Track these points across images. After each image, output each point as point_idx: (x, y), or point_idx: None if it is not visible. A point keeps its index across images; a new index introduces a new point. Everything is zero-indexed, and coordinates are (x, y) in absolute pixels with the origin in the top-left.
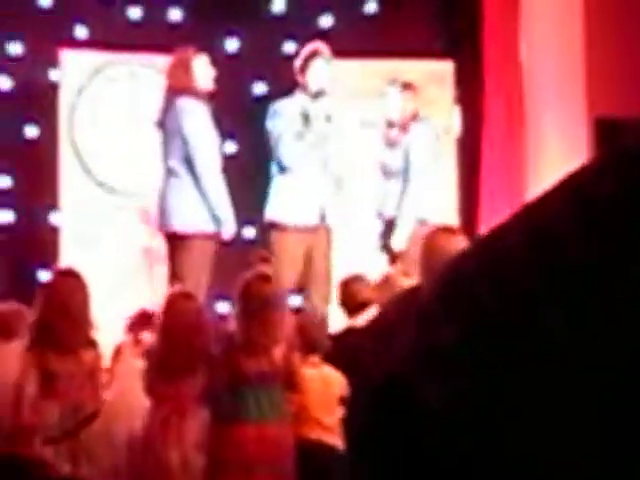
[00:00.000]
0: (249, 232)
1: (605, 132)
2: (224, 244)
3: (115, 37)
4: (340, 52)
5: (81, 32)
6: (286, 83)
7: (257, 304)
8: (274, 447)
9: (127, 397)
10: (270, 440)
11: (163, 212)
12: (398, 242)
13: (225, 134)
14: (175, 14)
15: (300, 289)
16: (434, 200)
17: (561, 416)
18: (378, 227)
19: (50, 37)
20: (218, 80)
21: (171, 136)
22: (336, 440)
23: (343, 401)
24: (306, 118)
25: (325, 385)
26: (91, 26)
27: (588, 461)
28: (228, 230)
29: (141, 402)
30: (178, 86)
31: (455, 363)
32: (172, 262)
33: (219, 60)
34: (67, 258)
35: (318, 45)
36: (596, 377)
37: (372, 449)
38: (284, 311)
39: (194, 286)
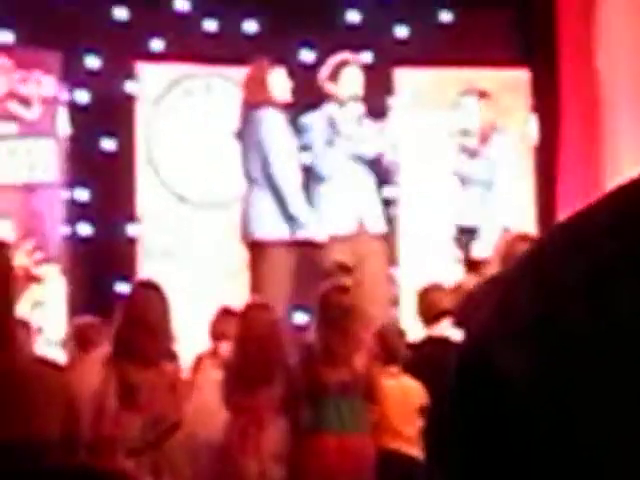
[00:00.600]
0: None
1: None
2: (304, 254)
3: (191, 49)
4: (415, 61)
5: (157, 45)
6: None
7: (336, 314)
8: (355, 458)
9: (207, 408)
10: (351, 451)
11: (244, 222)
12: (480, 251)
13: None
14: (250, 26)
15: None
16: (513, 208)
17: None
18: (452, 235)
19: (127, 50)
20: (294, 91)
21: (250, 147)
22: (416, 450)
23: (422, 411)
24: (333, 125)
25: (404, 395)
26: (167, 39)
27: None
28: (312, 235)
29: (221, 413)
30: (256, 98)
31: (539, 338)
32: (253, 272)
33: (295, 71)
34: (145, 270)
35: (348, 56)
36: None
37: (452, 426)
38: (363, 321)
39: (275, 296)
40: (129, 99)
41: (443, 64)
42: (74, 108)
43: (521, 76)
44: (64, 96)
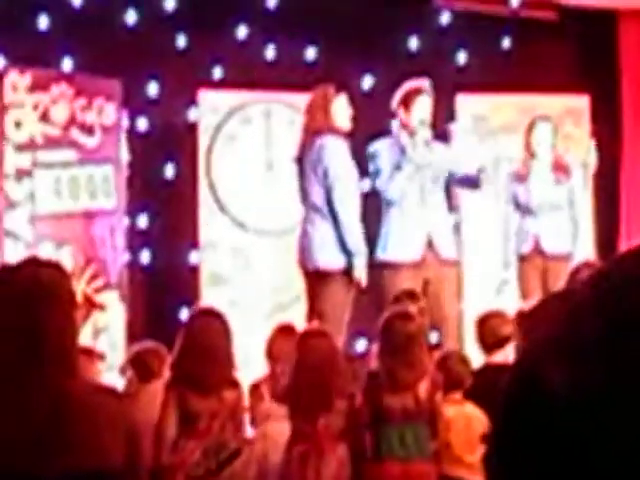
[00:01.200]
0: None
1: None
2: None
3: (251, 76)
4: (475, 87)
5: (218, 72)
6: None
7: (400, 341)
8: None
9: (268, 435)
10: (415, 478)
11: (304, 249)
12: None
13: (363, 172)
14: (310, 53)
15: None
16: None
17: None
18: (513, 263)
19: (187, 77)
20: (354, 118)
21: (311, 173)
22: (478, 478)
23: (485, 439)
24: (403, 151)
25: (467, 422)
26: (227, 66)
27: None
28: (359, 267)
29: (281, 440)
30: (318, 124)
31: (588, 354)
32: (312, 300)
33: (355, 97)
34: (207, 297)
35: (421, 83)
36: None
37: (506, 444)
38: (426, 348)
39: (335, 324)
40: (190, 126)
41: (503, 90)
42: (135, 135)
43: (582, 102)
44: (125, 123)
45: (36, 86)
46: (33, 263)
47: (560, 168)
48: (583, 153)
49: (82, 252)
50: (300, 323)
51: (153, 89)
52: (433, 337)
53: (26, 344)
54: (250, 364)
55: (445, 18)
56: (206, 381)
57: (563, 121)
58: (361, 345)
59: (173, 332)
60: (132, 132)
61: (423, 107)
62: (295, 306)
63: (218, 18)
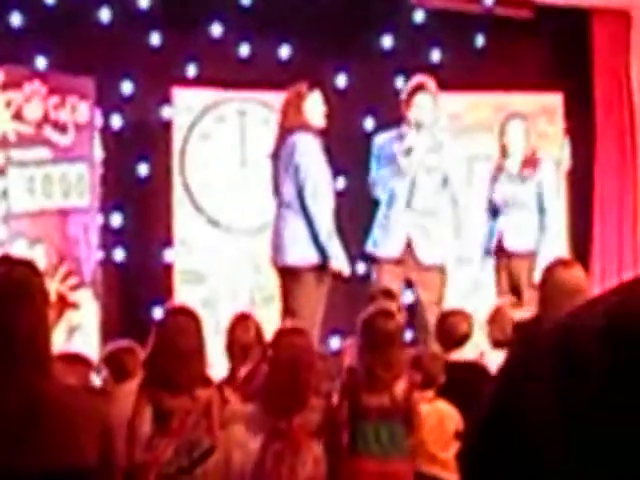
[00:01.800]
0: (361, 267)
1: None
2: (338, 279)
3: (225, 75)
4: (449, 85)
5: (192, 70)
6: (396, 118)
7: (380, 339)
8: None
9: (239, 433)
10: (391, 475)
11: (277, 246)
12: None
13: (336, 170)
14: (285, 51)
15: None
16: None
17: None
18: (493, 260)
19: (161, 75)
20: (328, 116)
21: (284, 171)
22: (452, 476)
23: (458, 436)
24: (408, 152)
25: (440, 420)
26: (202, 64)
27: None
28: (338, 264)
29: (254, 438)
30: (291, 122)
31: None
32: (285, 297)
33: (329, 96)
34: (181, 295)
35: (424, 79)
36: None
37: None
38: (403, 346)
39: (308, 321)
40: (164, 124)
41: (477, 88)
42: (109, 133)
43: (555, 100)
44: (99, 121)
45: (9, 84)
46: (5, 261)
47: (528, 164)
48: (557, 150)
49: (56, 250)
50: (276, 320)
51: (127, 87)
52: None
53: None
54: (223, 363)
55: (419, 16)
56: (178, 379)
57: (537, 119)
58: (335, 342)
59: (147, 330)
60: (106, 130)
61: (421, 106)
62: (269, 304)
63: (192, 16)
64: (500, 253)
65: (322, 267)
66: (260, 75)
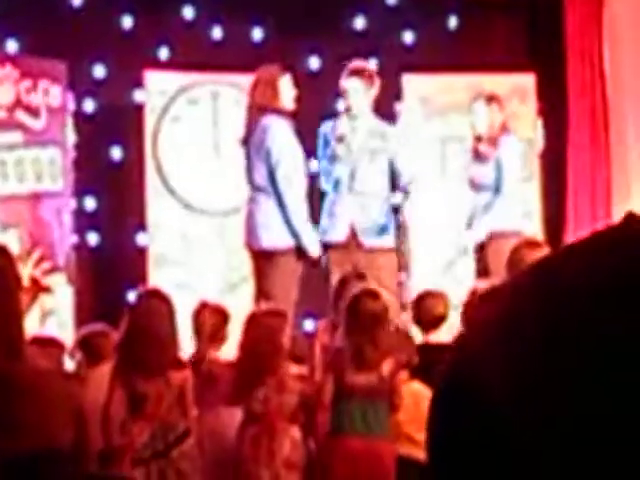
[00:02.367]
0: None
1: None
2: (311, 262)
3: (197, 57)
4: (422, 67)
5: (164, 53)
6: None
7: (368, 320)
8: (380, 461)
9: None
10: (376, 454)
11: (250, 229)
12: (491, 257)
13: (308, 152)
14: (257, 33)
15: None
16: (520, 212)
17: None
18: (464, 242)
19: (133, 59)
20: (300, 98)
21: (256, 153)
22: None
23: None
24: (341, 138)
25: (415, 400)
26: (174, 47)
27: None
28: (310, 247)
29: (231, 420)
30: (263, 104)
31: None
32: (259, 280)
33: (301, 78)
34: (154, 279)
35: (361, 64)
36: None
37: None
38: (390, 327)
39: (282, 303)
40: (136, 108)
41: (450, 70)
42: (81, 117)
43: (528, 80)
44: (71, 105)
45: None
46: None
47: (489, 142)
48: (529, 131)
49: (29, 235)
50: (250, 303)
51: (99, 71)
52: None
53: None
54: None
55: None
56: (151, 362)
57: (509, 99)
58: (308, 325)
59: (121, 314)
60: (78, 114)
61: (354, 92)
62: (243, 287)
63: None
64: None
65: (297, 250)
66: (232, 57)
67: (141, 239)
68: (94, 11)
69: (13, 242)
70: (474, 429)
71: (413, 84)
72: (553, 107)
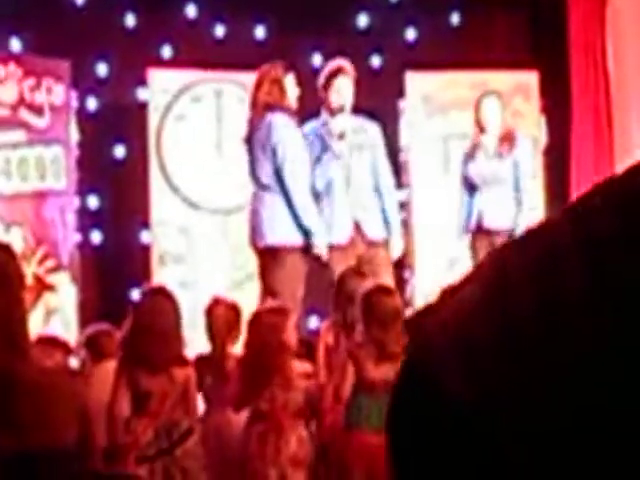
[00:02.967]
0: None
1: None
2: (318, 260)
3: (201, 55)
4: (424, 64)
5: (167, 51)
6: (373, 97)
7: (389, 316)
8: None
9: (221, 413)
10: None
11: (255, 227)
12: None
13: None
14: (260, 31)
15: None
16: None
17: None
18: (469, 237)
19: (136, 57)
20: (305, 95)
21: (261, 151)
22: None
23: None
24: (342, 135)
25: None
26: (177, 45)
27: None
28: (320, 243)
29: (237, 418)
30: (270, 101)
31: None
32: (265, 277)
33: (305, 75)
34: (158, 277)
35: (342, 62)
36: None
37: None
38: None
39: (288, 301)
40: (139, 106)
41: (453, 67)
42: (84, 115)
43: (531, 78)
44: (74, 103)
45: None
46: None
47: (505, 140)
48: (533, 129)
49: (32, 233)
50: (255, 301)
51: (102, 69)
52: None
53: None
54: (203, 343)
55: None
56: (155, 359)
57: (513, 97)
58: (313, 322)
59: (125, 312)
60: (82, 112)
61: (341, 90)
62: (248, 284)
63: None
64: (479, 231)
65: (304, 248)
66: (236, 56)
67: (145, 237)
68: (97, 10)
69: (17, 240)
70: (433, 420)
71: (416, 81)
72: (556, 104)
